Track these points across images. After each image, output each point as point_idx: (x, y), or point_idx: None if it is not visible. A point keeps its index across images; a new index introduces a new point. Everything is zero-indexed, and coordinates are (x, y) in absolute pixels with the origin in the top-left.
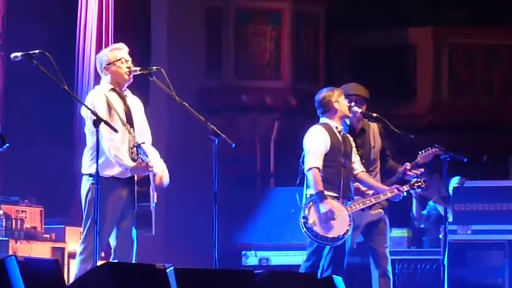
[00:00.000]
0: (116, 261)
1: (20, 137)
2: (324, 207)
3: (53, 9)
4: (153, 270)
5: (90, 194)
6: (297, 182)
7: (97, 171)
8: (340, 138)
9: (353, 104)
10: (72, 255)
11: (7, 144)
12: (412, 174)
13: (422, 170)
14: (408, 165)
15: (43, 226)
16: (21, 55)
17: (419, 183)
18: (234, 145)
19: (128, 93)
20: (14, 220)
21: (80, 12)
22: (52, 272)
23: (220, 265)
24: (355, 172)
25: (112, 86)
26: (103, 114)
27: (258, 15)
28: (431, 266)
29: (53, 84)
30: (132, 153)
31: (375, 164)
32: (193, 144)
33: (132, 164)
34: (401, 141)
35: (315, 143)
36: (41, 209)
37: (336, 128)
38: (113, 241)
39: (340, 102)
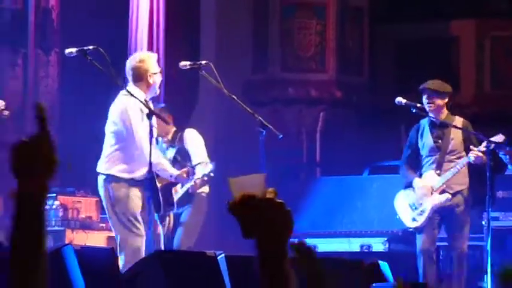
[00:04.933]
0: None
1: (76, 130)
2: None
3: (105, 7)
4: (203, 257)
5: (112, 193)
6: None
7: (150, 163)
8: None
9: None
10: None
11: None
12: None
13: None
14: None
15: (99, 216)
16: (76, 51)
17: None
18: (280, 136)
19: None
20: (70, 210)
21: (131, 9)
22: (107, 259)
23: None
24: None
25: (145, 97)
26: (145, 132)
27: (302, 9)
28: (474, 251)
29: (107, 79)
30: None
31: (454, 155)
32: (241, 136)
33: (176, 172)
34: None
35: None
36: (96, 199)
37: None
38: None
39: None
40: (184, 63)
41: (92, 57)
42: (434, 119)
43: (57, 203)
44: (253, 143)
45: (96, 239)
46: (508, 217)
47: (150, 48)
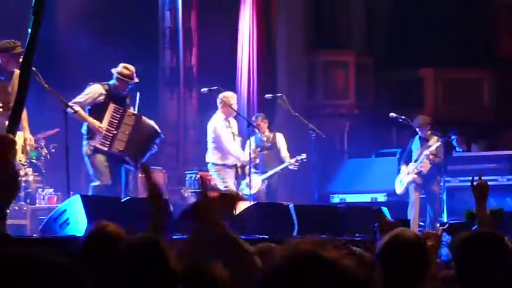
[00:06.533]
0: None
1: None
2: None
3: (226, 60)
4: (281, 206)
5: (218, 175)
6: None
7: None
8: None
9: None
10: None
11: None
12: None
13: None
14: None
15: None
16: (207, 90)
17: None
18: (324, 136)
19: (231, 119)
20: (208, 180)
21: (238, 65)
22: None
23: (318, 203)
24: None
25: (224, 117)
26: (229, 136)
27: (335, 64)
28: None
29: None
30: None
31: (430, 156)
32: (300, 137)
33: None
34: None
35: None
36: None
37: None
38: None
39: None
40: (269, 95)
41: (216, 93)
42: (422, 135)
43: (197, 176)
44: (308, 140)
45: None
46: (456, 180)
47: (248, 85)
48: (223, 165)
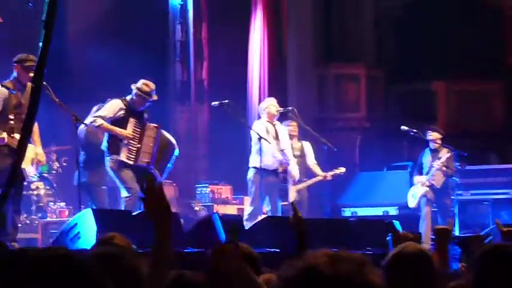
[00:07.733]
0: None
1: (220, 147)
2: None
3: (237, 73)
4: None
5: (251, 179)
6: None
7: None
8: None
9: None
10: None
11: None
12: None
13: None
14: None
15: (232, 196)
16: (218, 103)
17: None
18: (335, 149)
19: (276, 123)
20: (215, 193)
21: (249, 77)
22: (238, 222)
23: (330, 216)
24: None
25: (266, 120)
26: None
27: (346, 77)
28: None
29: (233, 116)
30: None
31: (440, 168)
32: (312, 149)
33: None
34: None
35: None
36: (231, 187)
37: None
38: (267, 207)
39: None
40: (280, 109)
41: (226, 106)
42: (432, 147)
43: (208, 189)
44: (319, 153)
45: (231, 210)
46: (467, 193)
47: (259, 98)
48: (264, 169)
